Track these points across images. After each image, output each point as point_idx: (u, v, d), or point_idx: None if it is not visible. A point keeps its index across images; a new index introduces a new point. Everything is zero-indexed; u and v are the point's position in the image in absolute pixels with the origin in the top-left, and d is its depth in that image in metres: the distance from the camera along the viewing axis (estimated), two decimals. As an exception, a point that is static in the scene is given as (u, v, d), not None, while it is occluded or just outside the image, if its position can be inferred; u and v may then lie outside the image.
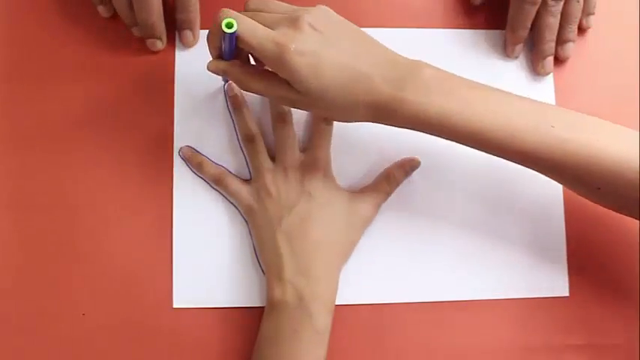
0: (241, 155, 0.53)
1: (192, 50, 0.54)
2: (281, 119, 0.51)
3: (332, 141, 0.52)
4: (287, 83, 0.43)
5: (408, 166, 0.52)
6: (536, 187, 0.53)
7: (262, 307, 0.49)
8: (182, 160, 0.52)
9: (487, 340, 0.51)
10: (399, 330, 0.51)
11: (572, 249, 0.52)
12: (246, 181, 0.52)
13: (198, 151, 0.52)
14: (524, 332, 0.51)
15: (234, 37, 0.42)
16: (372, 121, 0.45)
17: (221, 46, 0.44)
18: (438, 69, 0.44)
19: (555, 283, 0.52)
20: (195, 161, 0.52)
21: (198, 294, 0.51)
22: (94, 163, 0.52)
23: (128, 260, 0.51)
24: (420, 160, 0.52)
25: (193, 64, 0.53)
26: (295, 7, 0.45)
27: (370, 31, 0.54)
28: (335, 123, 0.52)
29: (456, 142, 0.44)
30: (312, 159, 0.50)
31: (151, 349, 0.50)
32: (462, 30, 0.55)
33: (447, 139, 0.44)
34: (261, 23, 0.43)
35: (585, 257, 0.52)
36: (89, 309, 0.50)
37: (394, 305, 0.51)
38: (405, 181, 0.52)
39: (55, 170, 0.52)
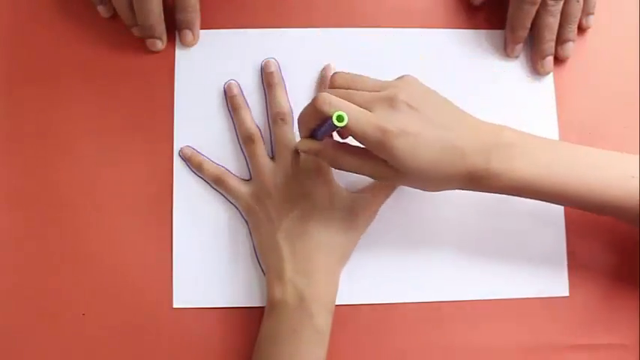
0: (241, 155, 0.53)
1: (192, 50, 0.54)
2: (281, 119, 0.51)
3: (332, 141, 0.52)
4: (384, 162, 0.43)
5: (408, 167, 0.52)
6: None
7: (262, 307, 0.49)
8: (182, 160, 0.52)
9: (487, 340, 0.51)
10: (399, 330, 0.51)
11: (572, 249, 0.52)
12: (246, 181, 0.52)
13: (198, 151, 0.52)
14: (524, 332, 0.51)
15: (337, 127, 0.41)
16: (463, 189, 0.45)
17: (314, 128, 0.44)
18: (517, 131, 0.45)
19: (555, 283, 0.52)
20: (195, 161, 0.52)
21: (198, 294, 0.51)
22: (94, 162, 0.52)
23: (128, 260, 0.51)
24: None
25: (193, 64, 0.53)
26: (382, 81, 0.45)
27: (370, 31, 0.54)
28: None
29: (545, 201, 0.45)
30: (312, 159, 0.50)
31: (151, 349, 0.50)
32: (462, 30, 0.55)
33: (535, 199, 0.45)
34: (356, 104, 0.43)
35: (585, 257, 0.52)
36: (89, 309, 0.50)
37: (394, 305, 0.51)
38: (405, 181, 0.52)
39: (55, 170, 0.52)
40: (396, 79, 0.45)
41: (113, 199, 0.52)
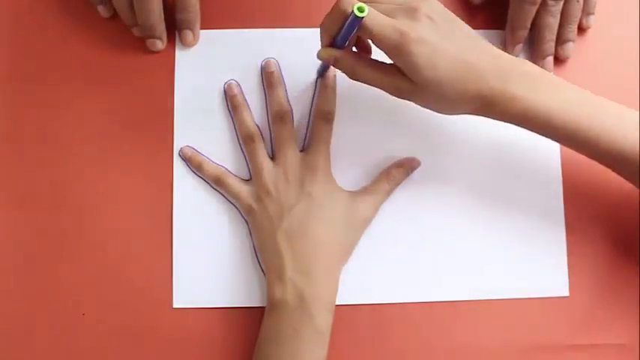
0: (241, 155, 0.53)
1: (192, 50, 0.54)
2: (280, 119, 0.52)
3: (332, 141, 0.52)
4: (401, 73, 0.43)
5: (408, 166, 0.52)
6: (536, 188, 0.53)
7: (262, 307, 0.49)
8: (182, 160, 0.52)
9: (487, 340, 0.51)
10: (399, 330, 0.51)
11: (572, 249, 0.52)
12: (246, 181, 0.52)
13: (198, 151, 0.52)
14: (524, 332, 0.51)
15: (357, 24, 0.42)
16: (477, 114, 0.46)
17: (336, 34, 0.44)
18: (538, 68, 0.46)
19: (555, 283, 0.52)
20: (196, 161, 0.52)
21: (198, 294, 0.51)
22: (94, 163, 0.52)
23: (128, 260, 0.51)
24: (420, 160, 0.53)
25: (193, 64, 0.53)
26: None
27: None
28: (335, 122, 0.52)
29: (553, 139, 0.46)
30: (312, 159, 0.51)
31: (151, 349, 0.50)
32: (462, 30, 0.55)
33: (544, 135, 0.46)
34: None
35: (585, 257, 0.52)
36: (89, 309, 0.50)
37: (394, 305, 0.51)
38: (405, 181, 0.52)
39: (54, 170, 0.52)
40: None
41: (113, 199, 0.52)
